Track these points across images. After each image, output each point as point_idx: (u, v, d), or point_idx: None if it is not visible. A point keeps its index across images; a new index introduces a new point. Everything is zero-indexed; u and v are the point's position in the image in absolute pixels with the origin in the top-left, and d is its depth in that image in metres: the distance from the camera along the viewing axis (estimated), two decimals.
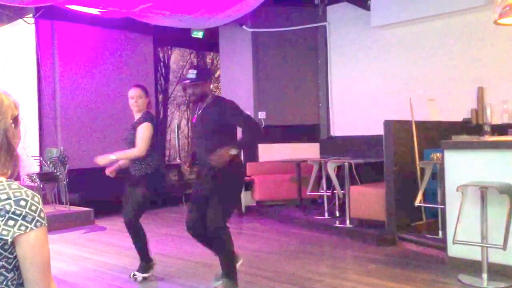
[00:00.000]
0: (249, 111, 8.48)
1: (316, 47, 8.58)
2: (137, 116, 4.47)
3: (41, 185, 7.41)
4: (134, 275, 4.40)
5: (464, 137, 5.23)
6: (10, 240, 1.28)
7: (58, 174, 7.38)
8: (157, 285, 4.33)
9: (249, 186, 8.17)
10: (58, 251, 5.60)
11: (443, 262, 4.59)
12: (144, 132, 4.27)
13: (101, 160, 4.31)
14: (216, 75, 15.59)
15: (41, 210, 1.33)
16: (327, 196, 6.84)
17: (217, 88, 15.52)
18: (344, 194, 6.36)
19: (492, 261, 4.09)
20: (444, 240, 4.72)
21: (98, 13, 6.93)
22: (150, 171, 4.33)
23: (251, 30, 8.59)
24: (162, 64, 14.74)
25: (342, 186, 6.40)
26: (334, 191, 6.66)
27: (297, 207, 7.50)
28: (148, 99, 4.50)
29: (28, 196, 1.32)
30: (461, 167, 4.44)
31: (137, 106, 4.43)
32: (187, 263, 4.95)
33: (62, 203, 7.48)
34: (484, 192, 4.01)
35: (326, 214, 6.79)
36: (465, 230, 4.09)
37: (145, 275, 4.39)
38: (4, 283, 1.33)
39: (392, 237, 5.48)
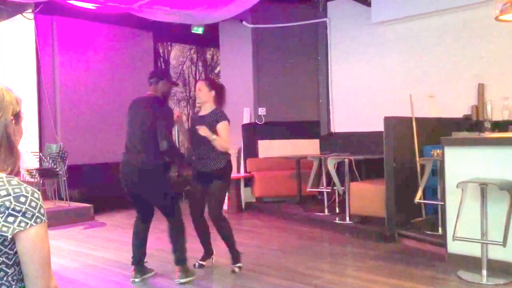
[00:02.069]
0: (249, 108, 8.54)
1: (316, 43, 8.57)
2: (204, 108, 4.48)
3: (41, 181, 7.41)
4: (232, 268, 4.47)
5: (465, 134, 5.24)
6: (10, 236, 1.28)
7: (57, 170, 7.38)
8: (156, 281, 4.33)
9: (249, 182, 8.17)
10: (58, 247, 5.61)
11: (443, 258, 4.60)
12: (226, 129, 4.36)
13: (203, 130, 4.24)
14: (216, 71, 15.57)
15: (41, 206, 1.33)
16: (327, 192, 6.84)
17: None
18: (344, 191, 6.36)
19: (492, 258, 4.09)
20: (444, 236, 4.72)
21: (93, 7, 6.90)
22: (225, 165, 4.40)
23: (251, 26, 8.56)
24: (162, 60, 14.71)
25: (342, 183, 6.40)
26: (334, 188, 6.66)
27: (297, 203, 7.51)
28: (212, 93, 4.46)
29: (28, 193, 1.31)
30: (461, 164, 4.43)
31: (199, 97, 4.54)
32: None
33: (62, 199, 7.48)
34: (484, 188, 4.01)
35: (326, 210, 6.80)
36: (465, 226, 4.09)
37: (239, 264, 4.46)
38: (5, 278, 1.32)
39: (392, 234, 5.49)
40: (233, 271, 4.42)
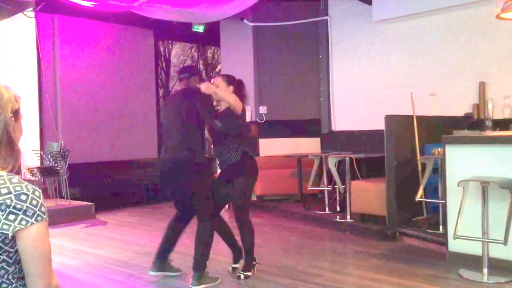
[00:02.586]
0: (250, 106, 8.53)
1: (317, 41, 8.55)
2: (222, 105, 4.32)
3: (42, 179, 7.42)
4: (237, 274, 4.25)
5: (466, 132, 5.24)
6: (10, 234, 1.28)
7: (58, 168, 7.38)
8: (157, 279, 4.33)
9: None
10: (59, 246, 5.61)
11: (444, 257, 4.60)
12: (230, 94, 4.18)
13: (207, 86, 4.08)
14: (217, 70, 15.56)
15: (41, 205, 1.33)
16: (328, 191, 6.84)
17: None
18: (345, 189, 6.36)
19: (493, 256, 4.09)
20: (445, 235, 4.72)
21: (92, 5, 6.89)
22: (240, 158, 4.18)
23: (252, 24, 8.56)
24: (163, 58, 14.72)
25: (343, 181, 6.40)
26: (335, 186, 6.66)
27: (298, 202, 7.50)
28: (230, 88, 4.23)
29: (28, 191, 1.31)
30: (462, 162, 4.43)
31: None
32: (187, 257, 4.94)
33: (63, 198, 7.48)
34: (485, 187, 4.00)
35: (327, 209, 6.80)
36: (466, 225, 4.09)
37: (248, 273, 4.23)
38: (5, 277, 1.33)
39: (393, 232, 5.49)
40: (238, 277, 4.20)
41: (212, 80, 4.58)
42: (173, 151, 4.11)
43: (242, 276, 4.21)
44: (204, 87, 4.10)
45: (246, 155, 4.19)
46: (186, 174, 4.04)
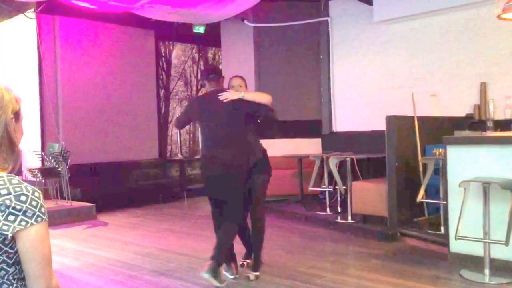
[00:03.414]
0: None
1: (318, 42, 8.55)
2: None
3: (43, 180, 7.42)
4: (246, 274, 4.26)
5: (467, 133, 5.23)
6: (10, 235, 1.28)
7: (60, 169, 7.39)
8: (158, 280, 4.33)
9: None
10: (60, 246, 5.61)
11: (445, 257, 4.59)
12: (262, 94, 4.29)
13: (225, 95, 4.09)
14: None
15: (41, 205, 1.33)
16: (329, 191, 6.84)
17: None
18: (346, 190, 6.36)
19: (494, 257, 4.08)
20: (446, 235, 4.71)
21: (94, 7, 6.89)
22: (245, 160, 4.20)
23: (253, 25, 8.56)
24: (163, 59, 14.72)
25: (344, 182, 6.39)
26: (336, 187, 6.66)
27: (299, 202, 7.49)
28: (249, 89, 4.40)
29: (28, 192, 1.31)
30: (464, 163, 4.42)
31: None
32: (188, 258, 4.95)
33: (64, 198, 7.49)
34: (486, 187, 4.00)
35: (328, 209, 6.80)
36: (467, 225, 4.08)
37: (257, 273, 4.24)
38: (5, 277, 1.32)
39: (394, 233, 5.48)
40: (248, 278, 4.19)
41: (229, 81, 4.55)
42: (223, 148, 4.07)
43: (251, 277, 4.20)
44: (230, 95, 4.09)
45: (247, 157, 4.26)
46: (240, 175, 4.06)
